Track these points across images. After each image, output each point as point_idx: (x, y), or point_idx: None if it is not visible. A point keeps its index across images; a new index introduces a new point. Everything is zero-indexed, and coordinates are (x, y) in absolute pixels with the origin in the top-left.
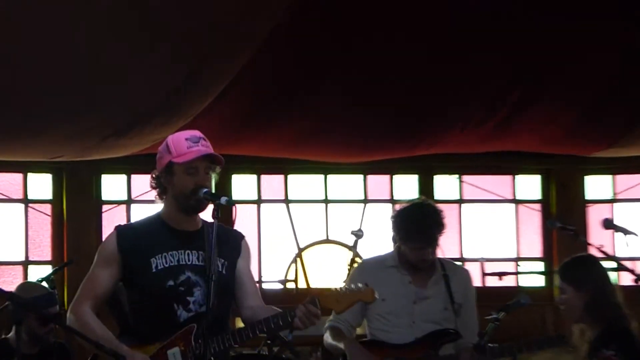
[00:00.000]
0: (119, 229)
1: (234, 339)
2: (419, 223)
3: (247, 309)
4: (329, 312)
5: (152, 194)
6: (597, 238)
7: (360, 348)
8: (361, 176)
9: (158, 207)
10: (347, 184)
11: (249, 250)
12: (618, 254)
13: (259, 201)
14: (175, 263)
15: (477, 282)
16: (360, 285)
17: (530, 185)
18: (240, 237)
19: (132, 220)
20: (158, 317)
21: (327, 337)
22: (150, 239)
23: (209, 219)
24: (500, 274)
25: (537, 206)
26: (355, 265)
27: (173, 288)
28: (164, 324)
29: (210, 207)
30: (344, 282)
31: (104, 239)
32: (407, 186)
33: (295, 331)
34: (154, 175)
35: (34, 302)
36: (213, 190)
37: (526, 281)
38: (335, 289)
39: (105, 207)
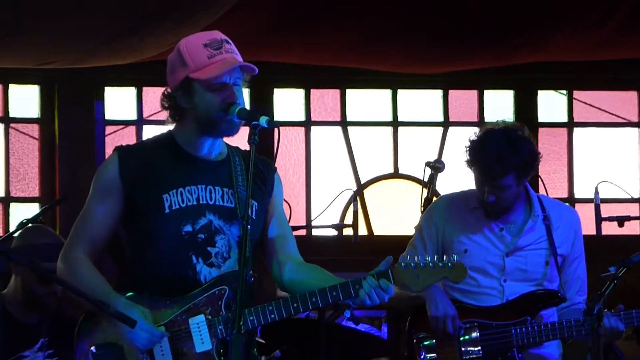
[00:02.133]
0: (120, 150)
1: (278, 313)
2: (485, 152)
3: (284, 266)
4: (407, 315)
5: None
6: None
7: (446, 296)
8: (440, 92)
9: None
10: (422, 102)
11: (282, 188)
12: None
13: (308, 122)
14: (194, 202)
15: (589, 228)
16: (451, 259)
17: None
18: (274, 168)
19: None
20: (172, 272)
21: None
22: (162, 168)
23: (233, 142)
24: (621, 219)
25: None
26: (432, 203)
27: (191, 235)
28: (179, 280)
29: (244, 130)
30: (415, 227)
31: (101, 165)
32: (500, 105)
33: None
34: (166, 93)
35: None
36: (247, 107)
37: None
38: (416, 260)
39: (109, 129)
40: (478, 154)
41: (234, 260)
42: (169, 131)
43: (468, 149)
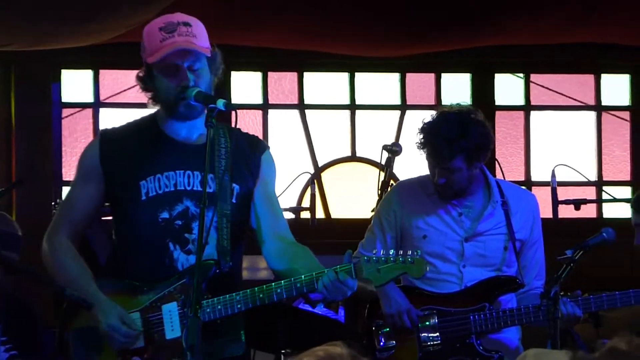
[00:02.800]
0: (103, 134)
1: (245, 303)
2: (435, 135)
3: (272, 249)
4: (365, 303)
5: (126, 95)
6: None
7: (399, 291)
8: (398, 75)
9: (137, 113)
10: (379, 85)
11: (273, 167)
12: None
13: (265, 106)
14: (171, 189)
15: (546, 212)
16: (413, 254)
17: (617, 87)
18: (262, 147)
19: (103, 127)
20: (149, 259)
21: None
22: (141, 153)
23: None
24: (578, 202)
25: (626, 114)
26: (389, 190)
27: (168, 222)
28: (156, 267)
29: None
30: (372, 210)
31: (84, 149)
32: (457, 88)
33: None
34: (138, 78)
35: None
36: (209, 91)
37: (611, 211)
38: (378, 255)
39: (65, 112)
40: (428, 136)
41: (212, 246)
42: (153, 113)
43: (420, 131)
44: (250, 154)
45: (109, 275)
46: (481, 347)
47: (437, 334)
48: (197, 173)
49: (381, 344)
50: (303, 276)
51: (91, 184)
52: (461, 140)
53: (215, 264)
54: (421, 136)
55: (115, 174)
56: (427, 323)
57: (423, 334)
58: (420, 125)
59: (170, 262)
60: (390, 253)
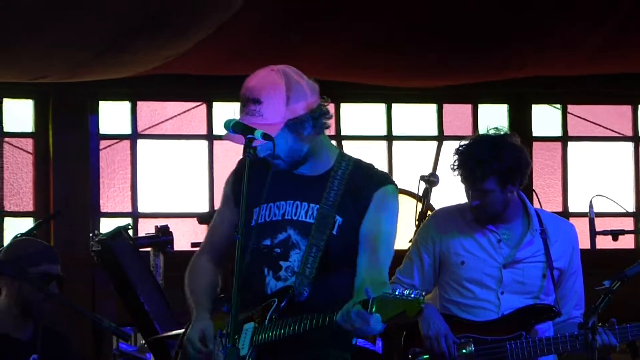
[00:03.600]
0: (239, 163)
1: (277, 333)
2: (473, 154)
3: (357, 290)
4: (402, 330)
5: (163, 127)
6: None
7: (439, 315)
8: (435, 105)
9: (173, 144)
10: (416, 116)
11: (389, 205)
12: None
13: None
14: (279, 218)
15: (584, 242)
16: (409, 292)
17: None
18: (378, 182)
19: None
20: (247, 284)
21: None
22: (261, 182)
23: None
24: (616, 233)
25: None
26: (428, 216)
27: (269, 249)
28: (251, 292)
29: None
30: (410, 240)
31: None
32: (494, 119)
33: None
34: None
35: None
36: (292, 155)
37: None
38: (389, 292)
39: (103, 144)
40: (462, 158)
41: (303, 275)
42: None
43: (455, 153)
44: (363, 187)
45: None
46: None
47: None
48: (305, 204)
49: None
50: (321, 315)
51: (227, 209)
52: (493, 162)
53: (291, 290)
54: (455, 158)
55: (238, 199)
56: (464, 351)
57: None
58: (456, 148)
59: (262, 287)
60: (396, 291)
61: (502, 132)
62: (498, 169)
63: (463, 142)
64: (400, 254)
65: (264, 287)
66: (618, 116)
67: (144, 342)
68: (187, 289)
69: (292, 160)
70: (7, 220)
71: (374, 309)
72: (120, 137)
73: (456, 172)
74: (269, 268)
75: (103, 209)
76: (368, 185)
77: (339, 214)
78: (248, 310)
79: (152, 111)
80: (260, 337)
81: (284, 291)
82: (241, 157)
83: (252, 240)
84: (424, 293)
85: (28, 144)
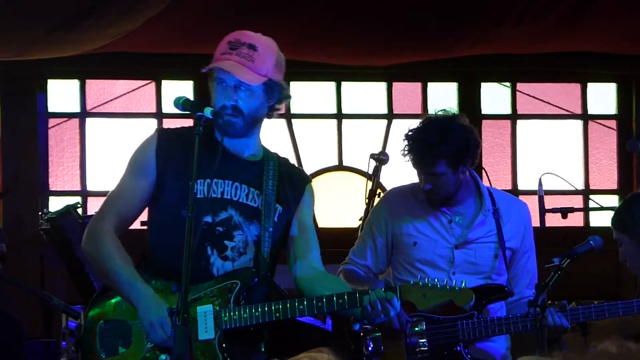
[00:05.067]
0: (160, 132)
1: (283, 314)
2: (421, 139)
3: (301, 271)
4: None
5: (113, 105)
6: None
7: None
8: (384, 84)
9: (123, 123)
10: (366, 94)
11: (314, 198)
12: None
13: None
14: (218, 195)
15: (533, 220)
16: (460, 285)
17: (604, 96)
18: (306, 179)
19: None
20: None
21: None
22: (195, 156)
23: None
24: (565, 211)
25: (613, 123)
26: (377, 199)
27: (210, 226)
28: (192, 268)
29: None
30: (360, 219)
31: (140, 143)
32: (444, 97)
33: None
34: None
35: None
36: (255, 116)
37: (598, 220)
38: (425, 280)
39: (52, 122)
40: (411, 143)
41: (249, 257)
42: None
43: (404, 138)
44: (296, 181)
45: (143, 272)
46: (469, 356)
47: (425, 340)
48: (244, 186)
49: (369, 348)
50: (346, 293)
51: (144, 177)
52: (442, 146)
53: (255, 273)
54: (405, 143)
55: (166, 171)
56: (415, 329)
57: (410, 340)
58: (405, 133)
59: (207, 265)
60: (436, 280)
61: (450, 114)
62: (447, 151)
63: (411, 127)
64: (349, 232)
65: (208, 266)
66: (567, 94)
67: None
68: (103, 261)
69: (248, 122)
70: None
71: (408, 297)
72: (69, 116)
73: (406, 158)
74: (212, 246)
75: (52, 188)
76: (300, 178)
77: (279, 203)
78: (194, 289)
79: (100, 89)
80: (231, 319)
81: (243, 273)
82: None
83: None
84: (465, 283)
85: None
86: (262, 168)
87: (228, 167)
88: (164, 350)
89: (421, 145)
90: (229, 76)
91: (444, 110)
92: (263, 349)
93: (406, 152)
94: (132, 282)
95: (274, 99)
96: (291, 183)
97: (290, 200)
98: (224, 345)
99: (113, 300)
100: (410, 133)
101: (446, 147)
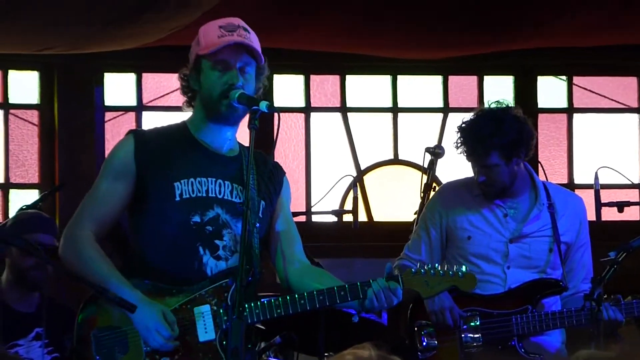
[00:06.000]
0: (136, 133)
1: (284, 309)
2: (474, 131)
3: (290, 265)
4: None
5: (168, 99)
6: None
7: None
8: (440, 77)
9: (178, 117)
10: (422, 88)
11: (290, 191)
12: None
13: (307, 109)
14: (203, 194)
15: (589, 214)
16: (459, 269)
17: None
18: (282, 171)
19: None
20: (178, 261)
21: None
22: (175, 156)
23: (246, 142)
24: (621, 205)
25: None
26: (432, 193)
27: (199, 226)
28: (184, 270)
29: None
30: (415, 212)
31: (115, 146)
32: (500, 90)
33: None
34: (182, 75)
35: (12, 227)
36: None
37: None
38: (427, 267)
39: (108, 115)
40: (464, 135)
41: (255, 254)
42: (183, 121)
43: (457, 130)
44: (275, 174)
45: (130, 276)
46: (523, 350)
47: (479, 335)
48: (227, 183)
49: (423, 344)
50: (347, 284)
51: (122, 181)
52: (494, 137)
53: (249, 270)
54: (458, 135)
55: (149, 172)
56: (470, 324)
57: (465, 335)
58: (458, 125)
59: (200, 265)
60: (438, 267)
61: (503, 105)
62: (500, 142)
63: (464, 119)
64: (405, 226)
65: (202, 266)
66: (623, 88)
67: None
68: (88, 267)
69: (245, 111)
70: (13, 192)
71: (411, 286)
72: (125, 109)
73: (459, 150)
74: (204, 247)
75: None
76: (277, 171)
77: (261, 197)
78: (188, 290)
79: (157, 83)
80: (230, 312)
81: (231, 273)
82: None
83: (178, 214)
84: (466, 267)
85: (34, 115)
86: (240, 163)
87: (210, 164)
88: (163, 354)
89: (474, 137)
90: (235, 58)
91: (497, 102)
92: (251, 346)
93: (459, 145)
94: (122, 287)
95: (260, 81)
96: (269, 176)
97: (271, 194)
98: (224, 343)
99: (103, 307)
100: (463, 125)
101: (499, 138)
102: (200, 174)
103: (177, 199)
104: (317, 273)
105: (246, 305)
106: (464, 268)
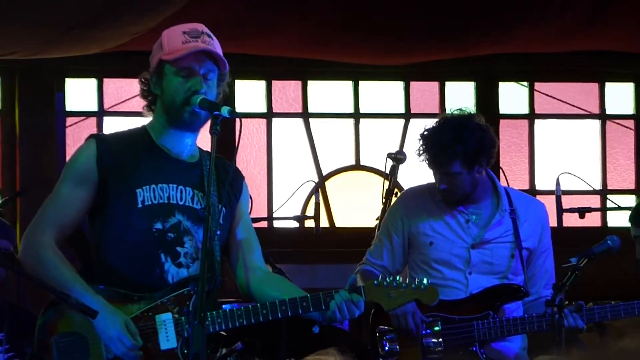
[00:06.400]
0: (98, 138)
1: (247, 319)
2: (436, 139)
3: (251, 273)
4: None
5: (130, 104)
6: None
7: None
8: (402, 83)
9: (139, 122)
10: (383, 94)
11: (248, 197)
12: None
13: (269, 114)
14: (164, 200)
15: (551, 220)
16: (421, 281)
17: (621, 95)
18: (241, 176)
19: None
20: (139, 268)
21: (357, 283)
22: (137, 162)
23: (207, 147)
24: (583, 210)
25: (631, 123)
26: (394, 198)
27: (161, 233)
28: (146, 277)
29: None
30: (377, 218)
31: (76, 150)
32: (462, 96)
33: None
34: (143, 79)
35: None
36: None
37: (616, 220)
38: (389, 280)
39: (69, 120)
40: (426, 143)
41: (216, 261)
42: (143, 126)
43: (419, 138)
44: (234, 179)
45: (91, 281)
46: (484, 355)
47: (441, 340)
48: (188, 189)
49: (385, 349)
50: (309, 295)
51: (83, 186)
52: (457, 145)
53: (211, 278)
54: (420, 143)
55: (110, 178)
56: (430, 330)
57: (426, 340)
58: (420, 132)
59: (161, 273)
60: (399, 279)
61: (465, 113)
62: (462, 151)
63: (427, 126)
64: (366, 232)
65: (163, 274)
66: (585, 94)
67: None
68: (50, 273)
69: (207, 117)
70: None
71: (374, 298)
72: (86, 114)
73: (422, 157)
74: (166, 254)
75: None
76: (238, 176)
77: (222, 204)
78: (150, 297)
79: (118, 88)
80: (191, 317)
81: (192, 281)
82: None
83: (140, 221)
84: (428, 279)
85: None
86: (201, 169)
87: (171, 170)
88: None
89: (436, 145)
90: (199, 64)
91: (459, 109)
92: (211, 352)
93: (421, 152)
94: (84, 293)
95: (222, 86)
96: (229, 181)
97: (232, 200)
98: (185, 352)
99: (65, 312)
100: (425, 133)
101: (461, 146)
102: (161, 180)
103: (140, 205)
104: (278, 281)
105: (208, 314)
106: (425, 281)
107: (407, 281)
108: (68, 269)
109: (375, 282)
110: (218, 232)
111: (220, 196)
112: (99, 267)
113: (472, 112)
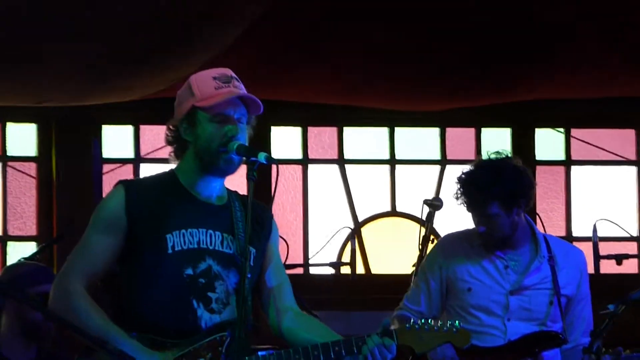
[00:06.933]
0: (126, 184)
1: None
2: (473, 181)
3: (283, 315)
4: (401, 354)
5: (166, 150)
6: None
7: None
8: (437, 129)
9: (170, 169)
10: (419, 140)
11: (278, 234)
12: None
13: (305, 160)
14: (195, 246)
15: (588, 267)
16: (453, 324)
17: None
18: (270, 214)
19: None
20: (172, 314)
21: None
22: (166, 207)
23: (233, 186)
24: (620, 257)
25: None
26: (430, 245)
27: (192, 278)
28: (178, 323)
29: (242, 170)
30: (413, 265)
31: (104, 197)
32: (498, 142)
33: None
34: (171, 127)
35: (14, 281)
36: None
37: None
38: (420, 322)
39: (106, 168)
40: (464, 186)
41: (233, 307)
42: (171, 170)
43: (456, 182)
44: (264, 219)
45: (123, 328)
46: None
47: None
48: (218, 233)
49: None
50: (342, 340)
51: (112, 233)
52: (494, 187)
53: (245, 322)
54: (458, 186)
55: (140, 224)
56: None
57: None
58: (458, 176)
59: (194, 319)
60: (431, 322)
61: (502, 156)
62: (500, 192)
63: (464, 170)
64: (403, 278)
65: (196, 320)
66: (621, 140)
67: None
68: (82, 320)
69: (239, 163)
70: (10, 245)
71: (406, 341)
72: (123, 161)
73: (459, 201)
74: (198, 300)
75: None
76: (266, 215)
77: (252, 245)
78: (183, 344)
79: (155, 135)
80: None
81: (226, 326)
82: (121, 179)
83: (170, 267)
84: (460, 322)
85: (31, 168)
86: (230, 211)
87: (200, 214)
88: None
89: (474, 187)
90: (234, 109)
91: (496, 152)
92: None
93: (459, 195)
94: (120, 339)
95: (252, 130)
96: (258, 222)
97: (262, 240)
98: None
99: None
100: (462, 176)
101: (499, 187)
102: (191, 225)
103: (170, 251)
104: (310, 322)
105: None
106: (457, 323)
107: (438, 324)
108: (101, 315)
109: (407, 325)
110: (248, 275)
111: (251, 238)
112: (130, 314)
113: (509, 155)
